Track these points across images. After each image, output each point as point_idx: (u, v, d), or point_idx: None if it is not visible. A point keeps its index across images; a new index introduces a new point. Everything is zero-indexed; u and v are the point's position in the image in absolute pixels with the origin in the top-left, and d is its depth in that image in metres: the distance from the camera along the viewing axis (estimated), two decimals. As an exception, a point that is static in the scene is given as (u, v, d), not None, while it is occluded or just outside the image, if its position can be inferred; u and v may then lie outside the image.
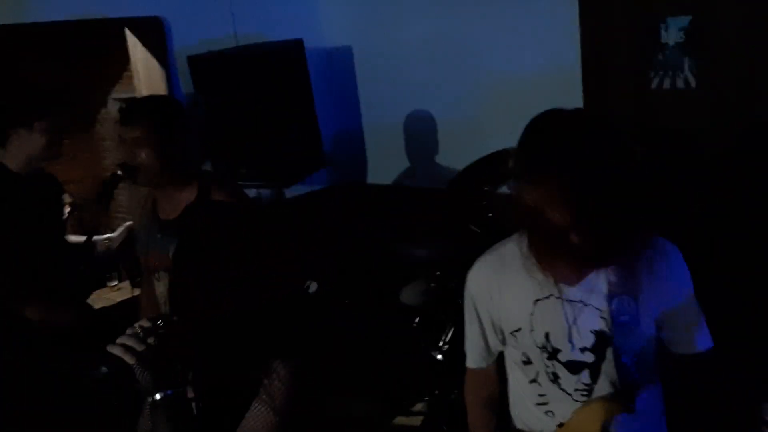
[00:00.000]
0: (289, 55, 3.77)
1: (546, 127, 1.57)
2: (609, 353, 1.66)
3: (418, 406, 3.47)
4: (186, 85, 3.68)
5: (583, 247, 1.41)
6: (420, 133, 4.13)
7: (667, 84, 3.08)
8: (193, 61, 3.58)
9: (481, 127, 3.82)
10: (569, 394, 1.72)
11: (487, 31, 3.68)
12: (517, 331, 1.74)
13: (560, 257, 1.51)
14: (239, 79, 3.56)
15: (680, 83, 3.04)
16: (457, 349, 3.16)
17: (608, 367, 1.68)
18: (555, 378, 1.72)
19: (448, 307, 3.14)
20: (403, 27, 4.02)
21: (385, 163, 4.36)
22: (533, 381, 1.77)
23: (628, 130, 3.19)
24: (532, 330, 1.71)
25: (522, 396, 1.83)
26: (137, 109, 2.41)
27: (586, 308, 1.65)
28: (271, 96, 3.63)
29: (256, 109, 3.58)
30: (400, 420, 3.46)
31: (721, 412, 1.67)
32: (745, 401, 1.58)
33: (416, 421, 3.41)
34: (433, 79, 3.95)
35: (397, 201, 4.19)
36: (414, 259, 3.43)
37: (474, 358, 1.89)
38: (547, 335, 1.70)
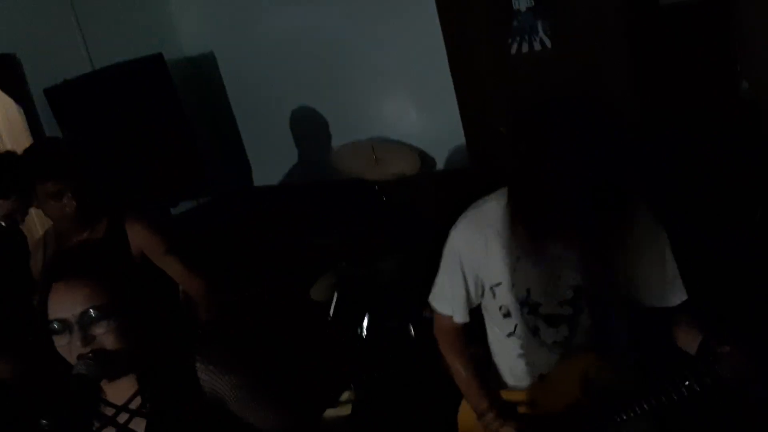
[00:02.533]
0: (149, 71, 3.67)
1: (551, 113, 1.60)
2: (587, 307, 1.75)
3: (345, 396, 3.52)
4: (47, 120, 3.50)
5: (566, 216, 1.51)
6: (298, 129, 4.13)
7: (525, 48, 3.24)
8: (50, 93, 3.41)
9: (356, 115, 3.88)
10: (548, 346, 1.80)
11: (347, 21, 3.72)
12: (497, 285, 1.79)
13: (543, 222, 1.59)
14: (101, 104, 3.43)
15: (537, 45, 3.21)
16: (374, 334, 3.23)
17: (585, 320, 1.76)
18: (535, 331, 1.79)
19: (360, 295, 3.19)
20: (262, 27, 4.00)
21: (269, 164, 4.33)
22: (511, 334, 1.83)
23: (498, 97, 3.38)
24: (513, 285, 1.77)
25: (502, 348, 1.89)
26: (50, 160, 2.31)
27: (565, 264, 1.71)
28: (139, 116, 3.53)
29: (125, 132, 3.47)
30: (330, 413, 3.49)
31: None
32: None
33: (346, 410, 3.45)
34: (301, 75, 3.95)
35: (288, 199, 4.19)
36: (316, 253, 3.46)
37: (457, 312, 1.90)
38: (528, 290, 1.76)
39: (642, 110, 3.08)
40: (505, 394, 1.89)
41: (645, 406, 1.69)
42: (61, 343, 1.37)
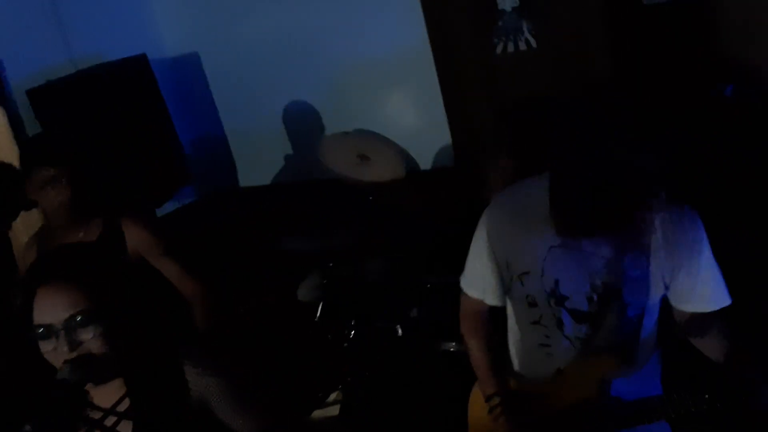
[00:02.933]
0: (133, 72, 3.64)
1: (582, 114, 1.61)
2: (615, 306, 1.70)
3: (333, 397, 3.51)
4: (30, 122, 3.46)
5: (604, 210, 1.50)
6: (283, 129, 4.11)
7: (510, 48, 3.25)
8: (33, 94, 3.37)
9: (341, 115, 3.87)
10: (571, 341, 1.77)
11: (332, 19, 3.70)
12: (525, 274, 1.76)
13: (582, 214, 1.55)
14: (84, 105, 3.40)
15: (522, 45, 3.22)
16: (361, 334, 3.23)
17: (612, 320, 1.71)
18: (559, 324, 1.76)
19: (347, 296, 3.19)
20: (245, 25, 3.97)
21: (254, 164, 4.32)
22: (536, 323, 1.80)
23: (483, 97, 3.39)
24: (542, 275, 1.73)
25: (523, 336, 1.88)
26: (47, 147, 2.34)
27: (598, 260, 1.67)
28: (122, 117, 3.49)
29: (109, 133, 3.44)
30: (318, 413, 3.48)
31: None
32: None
33: (334, 411, 3.44)
34: (287, 74, 3.94)
35: (274, 199, 4.18)
36: (302, 254, 3.45)
37: (489, 293, 1.88)
38: (557, 282, 1.72)
39: (624, 111, 3.09)
40: (514, 384, 1.88)
41: (658, 417, 1.67)
42: (46, 348, 1.36)
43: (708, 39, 2.89)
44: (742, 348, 1.63)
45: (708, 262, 1.68)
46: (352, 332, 3.18)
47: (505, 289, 1.86)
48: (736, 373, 1.56)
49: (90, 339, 1.35)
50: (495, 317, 1.95)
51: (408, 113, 3.75)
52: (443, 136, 3.63)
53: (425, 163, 3.76)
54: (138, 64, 3.66)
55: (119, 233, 2.43)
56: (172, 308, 2.54)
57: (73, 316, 1.34)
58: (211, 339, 2.53)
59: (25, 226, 3.02)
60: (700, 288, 1.68)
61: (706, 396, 1.57)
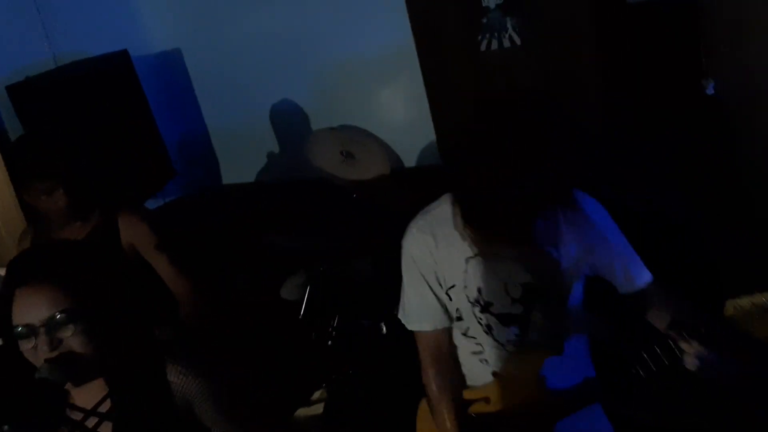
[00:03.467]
0: (115, 68, 3.61)
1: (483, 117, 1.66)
2: (538, 303, 1.78)
3: (317, 395, 3.50)
4: (10, 119, 3.42)
5: (508, 216, 1.57)
6: (267, 127, 4.09)
7: (495, 45, 3.25)
8: (12, 91, 3.32)
9: (325, 112, 3.86)
10: (502, 344, 1.82)
11: (317, 18, 3.69)
12: (451, 288, 1.82)
13: (488, 223, 1.64)
14: (65, 101, 3.35)
15: (506, 42, 3.23)
16: (347, 332, 3.22)
17: (537, 317, 1.79)
18: (488, 330, 1.81)
19: (331, 294, 3.18)
20: (230, 23, 3.94)
21: (238, 162, 4.29)
22: (465, 334, 1.86)
23: (468, 94, 3.39)
24: (465, 286, 1.79)
25: (459, 347, 1.91)
26: (41, 157, 2.30)
27: (513, 262, 1.74)
28: (104, 113, 3.46)
29: (90, 130, 3.40)
30: (302, 412, 3.47)
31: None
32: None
33: (318, 409, 3.43)
34: (271, 72, 3.92)
35: (258, 198, 4.16)
36: (286, 252, 3.43)
37: (432, 319, 1.87)
38: (479, 290, 1.78)
39: (609, 108, 3.11)
40: (466, 394, 1.91)
41: (592, 400, 1.75)
42: (26, 347, 1.34)
43: (690, 37, 2.91)
44: (680, 317, 1.69)
45: (619, 244, 1.77)
46: (337, 330, 3.17)
47: (447, 306, 1.89)
48: (672, 342, 1.60)
49: (70, 338, 1.33)
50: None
51: (393, 111, 3.75)
52: (428, 134, 3.63)
53: (410, 160, 3.76)
54: (120, 60, 3.63)
55: (114, 228, 2.44)
56: (158, 308, 2.53)
57: (53, 316, 1.32)
58: (196, 338, 2.52)
59: (4, 222, 3.00)
60: (620, 270, 1.77)
61: (633, 371, 1.64)
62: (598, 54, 3.08)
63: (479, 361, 1.87)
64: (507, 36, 3.21)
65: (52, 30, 3.63)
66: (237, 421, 1.50)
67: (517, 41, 3.20)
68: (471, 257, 1.76)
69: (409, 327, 1.93)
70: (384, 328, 3.16)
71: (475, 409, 1.88)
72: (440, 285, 1.84)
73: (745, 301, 1.47)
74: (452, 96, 3.47)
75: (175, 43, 4.17)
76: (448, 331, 1.91)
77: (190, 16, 4.07)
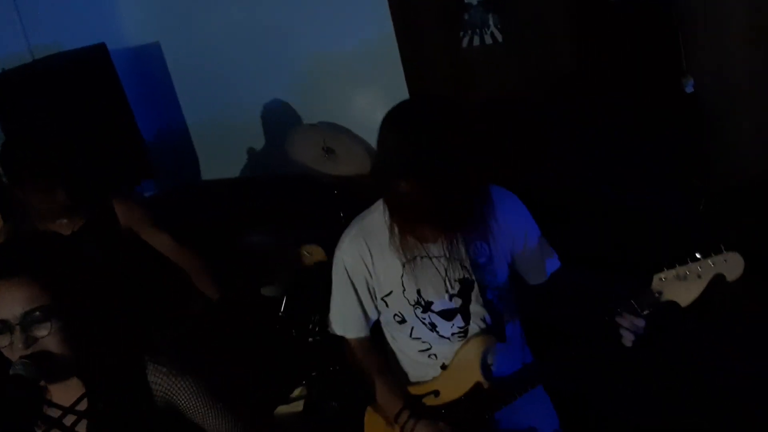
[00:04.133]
0: (92, 61, 3.57)
1: (394, 126, 1.67)
2: (474, 295, 1.86)
3: (297, 392, 3.48)
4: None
5: (438, 219, 1.63)
6: (247, 123, 4.06)
7: (476, 41, 3.25)
8: (-12, 83, 3.28)
9: (307, 108, 3.84)
10: (447, 338, 1.90)
11: (298, 13, 3.67)
12: (388, 294, 1.88)
13: (419, 227, 1.70)
14: (42, 95, 3.31)
15: (488, 39, 3.22)
16: (326, 330, 3.20)
17: (476, 308, 1.87)
18: (433, 327, 1.89)
19: (311, 291, 3.17)
20: (210, 16, 3.91)
21: (217, 158, 4.26)
22: (410, 336, 1.92)
23: (449, 91, 3.38)
24: (404, 290, 1.86)
25: (405, 350, 1.98)
26: (38, 160, 2.29)
27: (448, 260, 1.82)
28: (81, 107, 3.42)
29: (67, 124, 3.36)
30: (282, 409, 3.45)
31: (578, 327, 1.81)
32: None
33: (298, 407, 3.42)
34: (251, 67, 3.89)
35: (237, 194, 4.13)
36: (266, 248, 3.41)
37: (355, 328, 1.97)
38: (419, 291, 1.85)
39: (589, 105, 3.12)
40: (412, 390, 1.95)
41: (534, 383, 1.83)
42: (2, 343, 1.31)
43: (671, 35, 2.93)
44: (586, 297, 1.82)
45: (538, 236, 1.89)
46: (317, 327, 3.16)
47: (372, 316, 1.96)
48: (592, 322, 1.72)
49: (46, 336, 1.31)
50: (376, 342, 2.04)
51: (374, 107, 3.73)
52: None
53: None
54: (97, 53, 3.59)
55: (111, 212, 2.48)
56: (139, 304, 2.52)
57: (29, 312, 1.30)
58: (176, 337, 2.53)
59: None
60: (538, 259, 1.90)
61: (570, 351, 1.76)
62: (579, 52, 3.09)
63: (428, 357, 1.93)
64: (489, 33, 3.21)
65: (28, 22, 3.59)
66: (219, 419, 1.48)
67: (499, 38, 3.20)
68: (407, 261, 1.81)
69: (334, 331, 2.03)
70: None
71: (426, 401, 1.93)
72: (371, 295, 1.91)
73: (668, 274, 1.63)
74: (433, 92, 3.46)
75: (153, 37, 4.13)
76: (369, 340, 2.00)
77: (169, 10, 4.03)
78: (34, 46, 3.60)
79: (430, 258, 1.82)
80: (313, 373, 3.28)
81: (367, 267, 1.87)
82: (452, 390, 1.90)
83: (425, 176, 1.54)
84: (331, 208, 3.16)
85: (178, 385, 1.43)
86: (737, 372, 2.36)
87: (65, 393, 1.39)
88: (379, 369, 1.96)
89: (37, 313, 1.30)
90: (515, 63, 3.20)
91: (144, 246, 2.59)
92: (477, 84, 3.35)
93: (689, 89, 2.92)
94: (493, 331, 1.90)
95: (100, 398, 1.39)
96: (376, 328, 2.04)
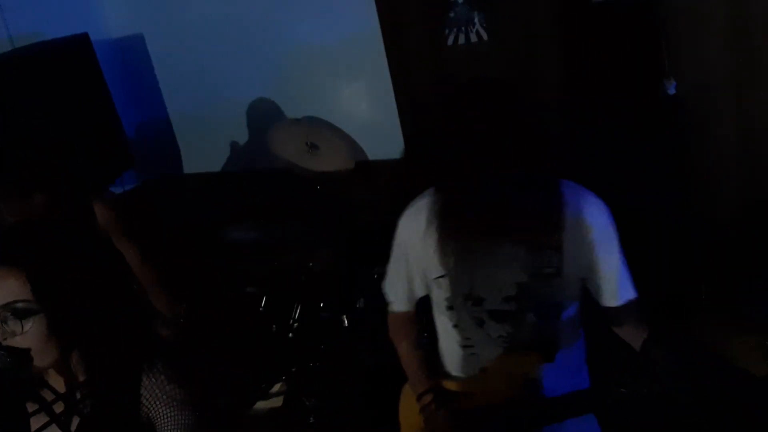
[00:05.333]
0: (75, 52, 3.52)
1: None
2: (532, 304, 1.72)
3: (276, 388, 3.48)
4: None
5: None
6: (230, 115, 4.04)
7: (461, 39, 3.25)
8: (-33, 73, 3.23)
9: (291, 102, 3.82)
10: (493, 340, 1.78)
11: (283, 6, 3.64)
12: (441, 277, 1.77)
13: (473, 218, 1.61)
14: (22, 84, 3.27)
15: (473, 37, 3.22)
16: (306, 324, 3.20)
17: (530, 318, 1.73)
18: (480, 323, 1.77)
19: (292, 286, 3.16)
20: (193, 7, 3.88)
21: (200, 150, 4.23)
22: (456, 326, 1.83)
23: (434, 89, 3.38)
24: (457, 278, 1.75)
25: (447, 337, 1.89)
26: (15, 165, 2.25)
27: (510, 259, 1.67)
28: (62, 97, 3.38)
29: (47, 114, 3.32)
30: (261, 405, 3.44)
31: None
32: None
33: (277, 402, 3.41)
34: (235, 60, 3.86)
35: (220, 188, 4.11)
36: (248, 243, 3.40)
37: (399, 300, 1.93)
38: (472, 284, 1.73)
39: (572, 105, 3.13)
40: (449, 384, 1.89)
41: (585, 410, 1.72)
42: None
43: (653, 37, 2.94)
44: (655, 337, 1.68)
45: (618, 257, 1.72)
46: (297, 323, 3.16)
47: (424, 295, 1.90)
48: (654, 362, 1.61)
49: (29, 330, 1.28)
50: (421, 319, 1.99)
51: (358, 103, 3.73)
52: (393, 127, 3.61)
53: (374, 153, 3.74)
54: (80, 43, 3.54)
55: (90, 212, 2.42)
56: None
57: (11, 304, 1.27)
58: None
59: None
60: (611, 283, 1.73)
61: (626, 387, 1.58)
62: (563, 52, 3.10)
63: (469, 354, 1.84)
64: (474, 31, 3.21)
65: (9, 11, 3.52)
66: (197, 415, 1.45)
67: (484, 36, 3.20)
68: (464, 250, 1.69)
69: (384, 291, 1.97)
70: (345, 321, 3.16)
71: (458, 401, 1.86)
72: (423, 272, 1.83)
73: (750, 339, 1.53)
74: (419, 90, 3.46)
75: (137, 29, 4.09)
76: (412, 315, 1.94)
77: (154, 2, 3.99)
78: (15, 34, 3.54)
79: (491, 252, 1.68)
80: (293, 369, 3.27)
81: (423, 245, 1.77)
82: (490, 395, 1.80)
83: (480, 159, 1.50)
84: (313, 204, 3.15)
85: (168, 392, 1.39)
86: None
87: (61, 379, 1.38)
88: (415, 345, 1.94)
89: (20, 305, 1.27)
90: (500, 62, 3.20)
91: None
92: (462, 82, 3.34)
93: (671, 91, 2.94)
94: (542, 347, 1.77)
95: (93, 393, 1.36)
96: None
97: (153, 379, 1.37)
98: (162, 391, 1.36)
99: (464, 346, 1.84)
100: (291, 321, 3.17)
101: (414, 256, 1.82)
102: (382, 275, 2.75)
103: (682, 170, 3.03)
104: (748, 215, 2.92)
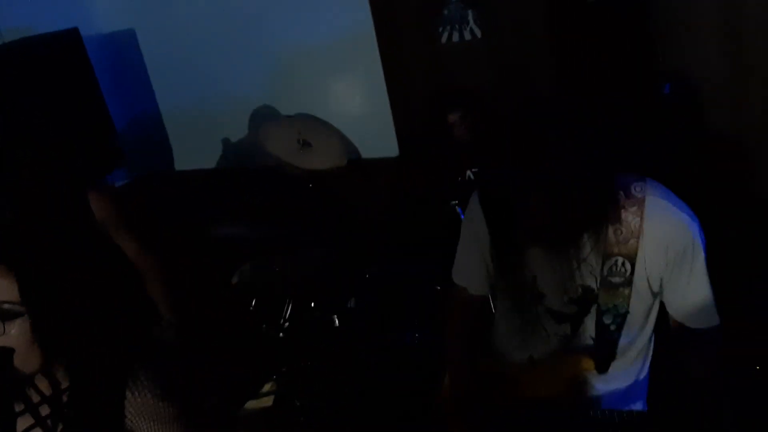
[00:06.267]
0: (65, 46, 3.48)
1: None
2: (593, 310, 1.63)
3: (267, 387, 3.46)
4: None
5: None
6: (222, 111, 4.01)
7: (455, 37, 3.23)
8: (-43, 66, 3.19)
9: (284, 99, 3.80)
10: (549, 337, 1.71)
11: (276, 1, 3.62)
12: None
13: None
14: (11, 79, 3.23)
15: (467, 35, 3.21)
16: (297, 323, 3.18)
17: (590, 324, 1.65)
18: (537, 319, 1.70)
19: (283, 285, 3.14)
20: (186, 4, 3.85)
21: (191, 147, 4.20)
22: (512, 309, 1.77)
23: (428, 86, 3.36)
24: (520, 269, 1.67)
25: (503, 319, 1.84)
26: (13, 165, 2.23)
27: (578, 261, 1.58)
28: (52, 93, 3.35)
29: (37, 110, 3.29)
30: (251, 404, 3.43)
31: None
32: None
33: (268, 401, 3.39)
34: (227, 56, 3.84)
35: (211, 185, 4.08)
36: (239, 241, 3.38)
37: (476, 281, 1.83)
38: (534, 278, 1.66)
39: (565, 103, 3.12)
40: (495, 366, 1.84)
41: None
42: None
43: (648, 37, 2.93)
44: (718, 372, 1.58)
45: (701, 275, 1.56)
46: (288, 322, 3.13)
47: (491, 277, 1.81)
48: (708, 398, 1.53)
49: (9, 333, 1.25)
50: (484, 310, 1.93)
51: (351, 100, 3.71)
52: (386, 125, 3.59)
53: (367, 151, 3.72)
54: (70, 38, 3.50)
55: (86, 204, 2.39)
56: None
57: None
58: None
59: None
60: (690, 301, 1.59)
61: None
62: (557, 51, 3.08)
63: (520, 341, 1.78)
64: (468, 29, 3.20)
65: (0, 4, 3.49)
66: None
67: (478, 34, 3.19)
68: (532, 242, 1.59)
69: (454, 279, 1.88)
70: (336, 321, 3.14)
71: (502, 388, 1.81)
72: (491, 255, 1.75)
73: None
74: (412, 87, 3.45)
75: (128, 24, 4.06)
76: (481, 302, 1.87)
77: (145, -2, 3.97)
78: (5, 28, 3.51)
79: (558, 251, 1.56)
80: (284, 369, 3.25)
81: (490, 229, 1.69)
82: (535, 389, 1.75)
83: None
84: (305, 202, 3.13)
85: (151, 407, 1.36)
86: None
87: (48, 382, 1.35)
88: (470, 338, 1.85)
89: (6, 306, 1.24)
90: (494, 60, 3.18)
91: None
92: (455, 80, 3.33)
93: (666, 90, 2.93)
94: (597, 357, 1.67)
95: (79, 398, 1.33)
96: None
97: (137, 394, 1.34)
98: (146, 407, 1.33)
99: (517, 332, 1.77)
100: (282, 320, 3.15)
101: (483, 239, 1.73)
102: (374, 275, 2.73)
103: (677, 169, 3.02)
104: (742, 214, 2.91)
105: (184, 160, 4.30)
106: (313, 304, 3.21)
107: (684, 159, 2.98)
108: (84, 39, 3.55)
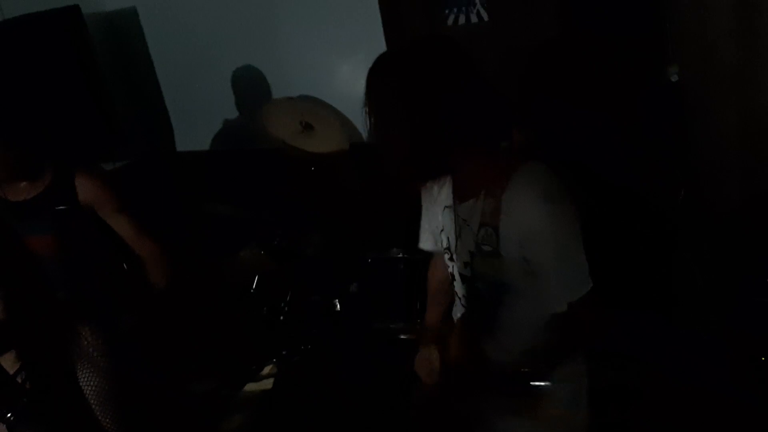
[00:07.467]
0: (65, 24, 3.45)
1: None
2: (480, 276, 1.68)
3: (267, 370, 3.46)
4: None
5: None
6: (224, 92, 3.96)
7: (462, 20, 3.19)
8: (-45, 42, 3.17)
9: (286, 80, 3.76)
10: (459, 297, 1.84)
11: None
12: (442, 230, 1.81)
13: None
14: (10, 56, 3.21)
15: (474, 18, 3.17)
16: (299, 308, 3.18)
17: (480, 290, 1.71)
18: (453, 278, 1.83)
19: (284, 269, 3.13)
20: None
21: (193, 128, 4.17)
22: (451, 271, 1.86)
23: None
24: (441, 230, 1.80)
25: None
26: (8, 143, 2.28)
27: (467, 228, 1.66)
28: (52, 71, 3.32)
29: (37, 88, 3.26)
30: (251, 387, 3.43)
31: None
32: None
33: (267, 384, 3.40)
34: (229, 35, 3.79)
35: (212, 167, 4.06)
36: (240, 224, 3.36)
37: (428, 241, 1.96)
38: (448, 240, 1.77)
39: (573, 88, 3.09)
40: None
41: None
42: None
43: (658, 22, 2.90)
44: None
45: (553, 254, 1.54)
46: (289, 306, 3.13)
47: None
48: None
49: None
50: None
51: (355, 83, 3.65)
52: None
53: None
54: (71, 15, 3.47)
55: (71, 187, 2.39)
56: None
57: None
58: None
59: None
60: (547, 265, 1.55)
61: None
62: (566, 33, 3.05)
63: (458, 304, 1.89)
64: (475, 11, 3.16)
65: (-2, -19, 3.46)
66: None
67: (485, 17, 3.15)
68: (447, 206, 1.76)
69: (420, 246, 2.00)
70: (337, 305, 3.14)
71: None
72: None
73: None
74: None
75: (130, 2, 4.01)
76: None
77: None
78: (3, 5, 3.47)
79: (457, 215, 1.71)
80: (284, 352, 3.25)
81: (431, 196, 1.84)
82: (452, 350, 1.85)
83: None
84: (307, 185, 3.11)
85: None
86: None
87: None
88: (435, 290, 2.06)
89: None
90: (500, 43, 3.15)
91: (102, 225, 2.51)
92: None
93: (674, 78, 2.90)
94: (490, 326, 1.70)
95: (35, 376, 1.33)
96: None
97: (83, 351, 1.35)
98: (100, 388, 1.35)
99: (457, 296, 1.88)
100: (282, 304, 3.15)
101: (431, 207, 1.88)
102: (376, 260, 2.76)
103: (683, 159, 3.00)
104: (750, 208, 2.90)
105: (185, 141, 4.26)
106: (314, 289, 3.22)
107: (689, 149, 2.97)
108: (85, 16, 3.52)
